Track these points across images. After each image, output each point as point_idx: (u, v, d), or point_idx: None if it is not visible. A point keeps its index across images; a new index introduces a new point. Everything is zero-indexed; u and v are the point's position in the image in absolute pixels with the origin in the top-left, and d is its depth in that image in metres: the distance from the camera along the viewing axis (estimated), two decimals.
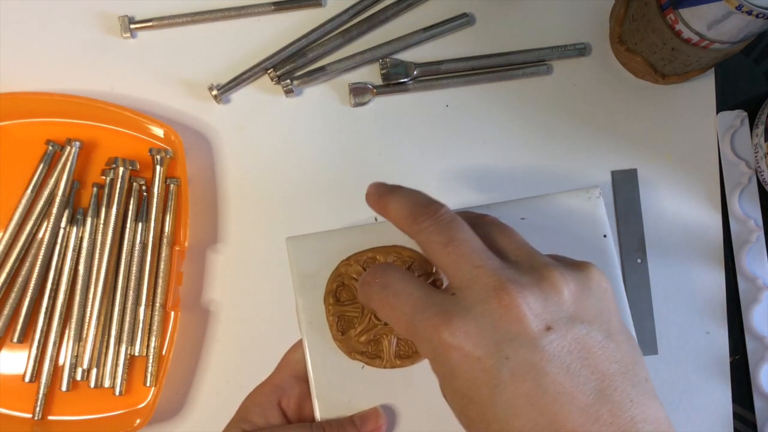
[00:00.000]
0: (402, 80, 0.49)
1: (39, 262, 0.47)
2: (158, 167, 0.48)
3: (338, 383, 0.37)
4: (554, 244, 0.40)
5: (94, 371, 0.46)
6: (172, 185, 0.48)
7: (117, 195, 0.47)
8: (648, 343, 0.48)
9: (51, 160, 0.48)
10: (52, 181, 0.48)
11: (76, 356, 0.47)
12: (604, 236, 0.40)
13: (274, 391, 0.38)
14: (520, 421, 0.24)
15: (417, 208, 0.29)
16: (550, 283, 0.26)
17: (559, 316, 0.25)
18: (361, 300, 0.30)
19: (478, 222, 0.30)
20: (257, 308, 0.49)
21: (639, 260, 0.49)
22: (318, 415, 0.37)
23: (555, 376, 0.24)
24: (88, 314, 0.46)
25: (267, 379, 0.40)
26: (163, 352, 0.47)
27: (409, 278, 0.28)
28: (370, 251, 0.38)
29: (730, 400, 0.48)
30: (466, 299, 0.26)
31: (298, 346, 0.39)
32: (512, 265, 0.27)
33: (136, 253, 0.47)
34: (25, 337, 0.47)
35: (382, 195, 0.31)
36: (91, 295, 0.46)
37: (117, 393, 0.46)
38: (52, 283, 0.47)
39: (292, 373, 0.39)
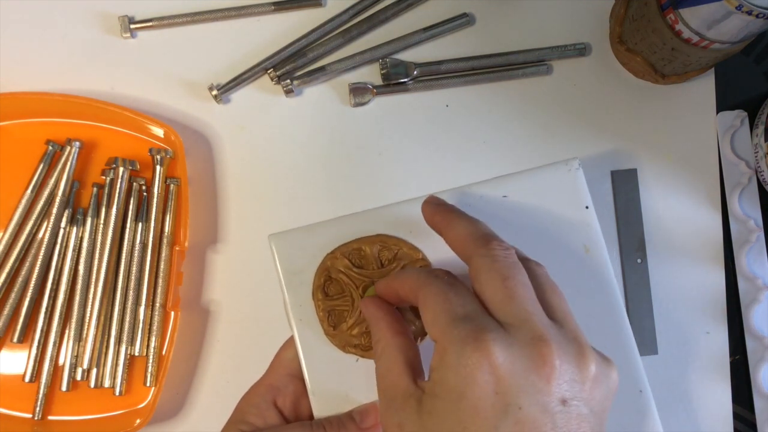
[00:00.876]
0: (402, 80, 0.49)
1: (39, 262, 0.47)
2: (158, 167, 0.48)
3: (334, 378, 0.37)
4: (538, 219, 0.39)
5: (94, 371, 0.46)
6: (172, 185, 0.48)
7: (117, 195, 0.47)
8: (648, 343, 0.48)
9: (51, 160, 0.48)
10: (52, 181, 0.48)
11: (76, 356, 0.47)
12: (587, 208, 0.40)
13: (269, 391, 0.38)
14: None
15: (489, 236, 0.30)
16: (585, 361, 0.27)
17: (577, 394, 0.26)
18: (412, 281, 0.31)
19: (532, 269, 0.31)
20: (257, 308, 0.49)
21: (639, 260, 0.49)
22: (315, 412, 0.37)
23: None
24: (88, 314, 0.46)
25: (261, 379, 0.40)
26: (163, 352, 0.47)
27: (471, 292, 0.29)
28: (356, 242, 0.38)
29: (730, 400, 0.48)
30: (510, 335, 0.26)
31: (290, 344, 0.39)
32: (558, 327, 0.28)
33: (136, 253, 0.47)
34: (25, 337, 0.47)
35: (448, 210, 0.32)
36: (91, 295, 0.46)
37: (117, 393, 0.46)
38: (52, 283, 0.47)
39: (285, 371, 0.39)
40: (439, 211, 0.33)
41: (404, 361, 0.30)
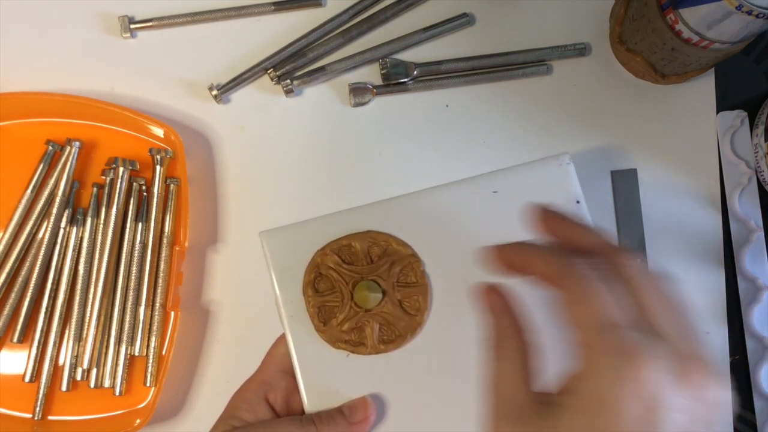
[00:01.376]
0: (402, 80, 0.49)
1: (39, 262, 0.47)
2: (158, 167, 0.48)
3: (324, 374, 0.37)
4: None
5: (94, 371, 0.46)
6: (172, 185, 0.48)
7: (117, 195, 0.47)
8: None
9: (51, 160, 0.48)
10: (52, 181, 0.48)
11: (76, 356, 0.47)
12: (578, 202, 0.40)
13: (261, 387, 0.39)
14: None
15: (620, 246, 0.29)
16: (715, 383, 0.25)
17: (710, 417, 0.25)
18: (555, 263, 0.28)
19: (668, 283, 0.29)
20: (257, 308, 0.49)
21: (639, 260, 0.49)
22: (306, 407, 0.37)
23: None
24: (88, 314, 0.46)
25: (253, 375, 0.40)
26: (163, 352, 0.47)
27: (617, 294, 0.27)
28: (345, 238, 0.38)
29: (731, 400, 0.48)
30: (664, 350, 0.25)
31: (281, 340, 0.40)
32: (697, 345, 0.26)
33: (136, 253, 0.47)
34: (25, 337, 0.47)
35: (520, 246, 0.30)
36: (91, 295, 0.46)
37: (117, 393, 0.46)
38: (52, 283, 0.47)
39: (277, 368, 0.39)
40: (513, 252, 0.31)
41: (527, 367, 0.28)
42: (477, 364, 0.38)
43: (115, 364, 0.47)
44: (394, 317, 0.38)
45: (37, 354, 0.47)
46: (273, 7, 0.50)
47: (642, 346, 0.25)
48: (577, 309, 0.27)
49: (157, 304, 0.47)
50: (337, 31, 0.51)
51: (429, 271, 0.39)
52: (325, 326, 0.37)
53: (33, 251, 0.47)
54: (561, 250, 0.29)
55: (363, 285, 0.37)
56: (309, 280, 0.38)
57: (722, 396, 0.26)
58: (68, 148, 0.47)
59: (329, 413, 0.37)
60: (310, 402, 0.37)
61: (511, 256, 0.30)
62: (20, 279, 0.47)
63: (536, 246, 0.30)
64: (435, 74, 0.50)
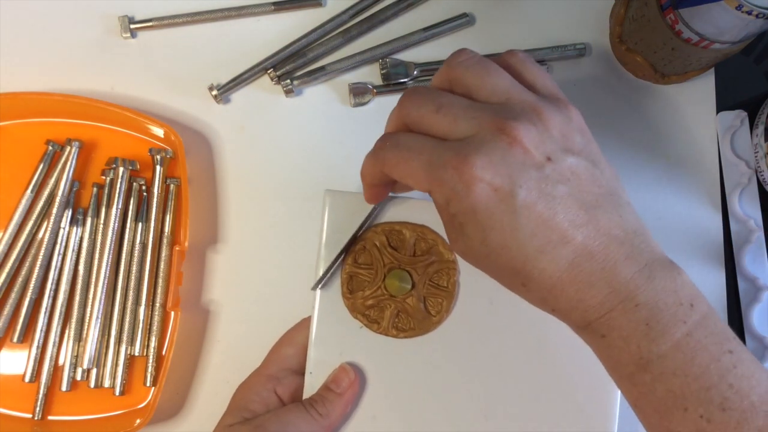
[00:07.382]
0: (402, 80, 0.49)
1: (39, 262, 0.47)
2: (158, 167, 0.48)
3: (335, 335, 0.40)
4: None
5: (94, 371, 0.46)
6: (172, 185, 0.48)
7: (117, 195, 0.47)
8: None
9: (51, 160, 0.48)
10: (52, 181, 0.47)
11: (76, 356, 0.47)
12: None
13: (269, 381, 0.41)
14: (538, 240, 0.27)
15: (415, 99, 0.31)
16: (543, 121, 0.29)
17: (553, 148, 0.28)
18: (376, 167, 0.31)
19: (462, 62, 0.31)
20: (257, 308, 0.49)
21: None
22: (312, 358, 0.40)
23: (560, 199, 0.28)
24: (88, 314, 0.46)
25: (259, 369, 0.42)
26: (163, 352, 0.47)
27: (417, 134, 0.30)
28: (399, 224, 0.40)
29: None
30: (474, 141, 0.28)
31: (287, 340, 0.42)
32: (506, 107, 0.29)
33: (136, 253, 0.47)
34: (25, 337, 0.47)
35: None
36: (91, 295, 0.46)
37: (117, 393, 0.46)
38: (52, 283, 0.47)
39: (283, 365, 0.41)
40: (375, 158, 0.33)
41: None
42: (474, 382, 0.40)
43: (115, 364, 0.47)
44: (414, 310, 0.40)
45: (37, 354, 0.47)
46: (273, 7, 0.50)
47: (507, 121, 0.28)
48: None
49: (157, 304, 0.47)
50: (337, 31, 0.51)
51: (461, 281, 0.40)
52: (351, 294, 0.40)
53: (33, 251, 0.47)
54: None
55: (396, 273, 0.39)
56: (352, 249, 0.40)
57: (553, 122, 0.29)
58: (68, 148, 0.47)
59: (320, 394, 0.39)
60: (315, 354, 0.40)
61: (374, 164, 0.32)
62: (20, 279, 0.47)
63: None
64: None
